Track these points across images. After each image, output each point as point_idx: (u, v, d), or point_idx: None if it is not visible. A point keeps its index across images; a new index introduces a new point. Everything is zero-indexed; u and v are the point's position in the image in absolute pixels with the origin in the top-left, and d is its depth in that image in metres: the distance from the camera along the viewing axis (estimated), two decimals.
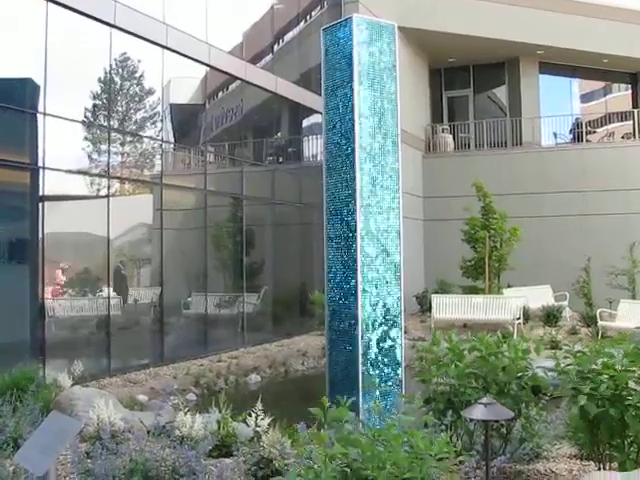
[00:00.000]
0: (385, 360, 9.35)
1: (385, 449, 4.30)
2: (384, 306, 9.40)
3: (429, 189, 27.15)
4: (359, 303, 9.17)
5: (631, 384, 5.70)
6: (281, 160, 22.45)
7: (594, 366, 5.90)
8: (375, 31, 9.66)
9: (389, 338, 9.42)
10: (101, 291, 14.43)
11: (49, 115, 12.64)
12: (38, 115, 12.62)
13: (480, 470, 5.95)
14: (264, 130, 21.60)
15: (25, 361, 10.07)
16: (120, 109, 15.65)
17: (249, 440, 7.50)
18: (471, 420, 6.04)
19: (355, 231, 9.26)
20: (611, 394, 5.63)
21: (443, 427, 5.68)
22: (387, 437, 4.42)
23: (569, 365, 6.11)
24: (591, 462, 6.61)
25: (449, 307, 19.83)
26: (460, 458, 4.63)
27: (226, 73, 18.21)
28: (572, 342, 15.39)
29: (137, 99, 16.11)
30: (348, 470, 4.30)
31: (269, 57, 20.91)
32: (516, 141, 28.54)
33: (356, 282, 9.22)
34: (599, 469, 6.20)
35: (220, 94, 19.77)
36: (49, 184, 12.84)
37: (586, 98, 32.48)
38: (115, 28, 14.03)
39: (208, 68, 17.33)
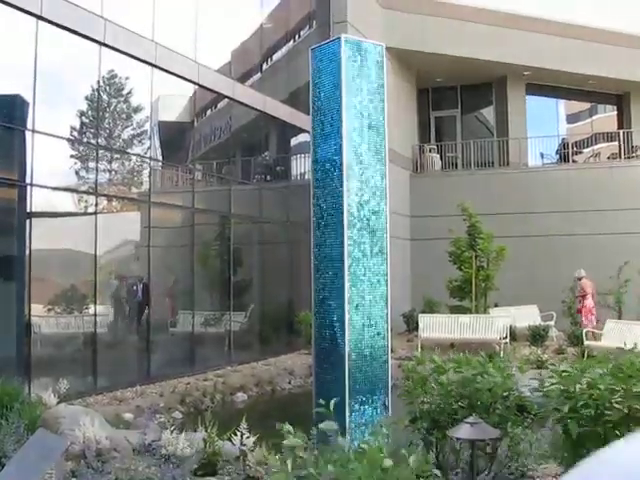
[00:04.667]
0: (372, 379, 9.35)
1: (363, 467, 4.31)
2: (371, 325, 9.41)
3: (416, 208, 27.22)
4: (346, 322, 9.17)
5: (613, 403, 5.72)
6: (269, 178, 22.49)
7: (577, 386, 5.92)
8: (363, 51, 9.73)
9: (376, 357, 9.43)
10: (87, 308, 14.39)
11: (37, 132, 12.65)
12: (27, 132, 12.63)
13: None
14: (252, 148, 21.65)
15: (10, 378, 10.01)
16: (108, 126, 15.67)
17: (235, 459, 7.50)
18: (457, 439, 6.06)
19: (342, 251, 9.28)
20: (593, 414, 5.65)
21: (424, 444, 5.70)
22: (368, 455, 4.42)
23: (553, 384, 6.14)
24: None
25: (436, 326, 19.83)
26: (436, 471, 4.64)
27: (214, 91, 18.27)
28: (558, 361, 15.45)
29: (125, 116, 16.14)
30: None
31: (258, 76, 21.01)
32: (503, 161, 28.71)
33: (343, 301, 9.23)
34: None
35: (208, 112, 19.84)
36: (37, 201, 12.83)
37: (572, 119, 32.75)
38: (104, 46, 14.07)
39: (197, 86, 17.39)
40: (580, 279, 21.30)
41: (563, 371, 6.33)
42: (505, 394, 6.69)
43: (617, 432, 5.65)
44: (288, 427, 4.82)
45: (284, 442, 4.76)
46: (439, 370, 6.99)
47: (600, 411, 5.66)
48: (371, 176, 9.59)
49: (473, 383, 6.67)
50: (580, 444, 5.85)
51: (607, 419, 5.64)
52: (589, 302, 21.09)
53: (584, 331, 17.93)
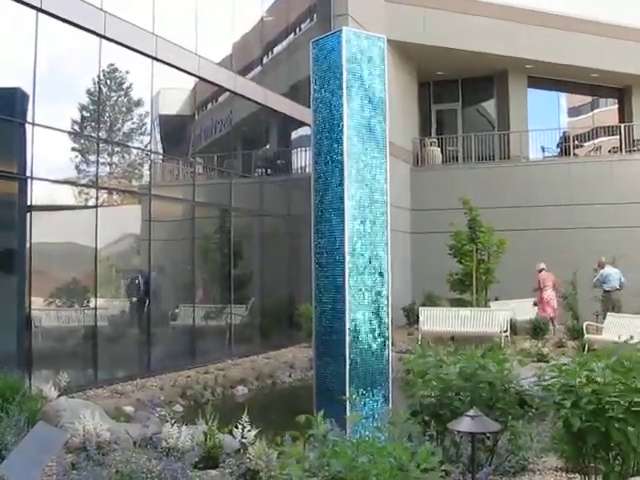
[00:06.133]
0: (372, 372, 9.35)
1: (369, 461, 4.29)
2: (371, 319, 9.41)
3: (417, 202, 27.22)
4: (346, 315, 9.17)
5: (614, 397, 5.71)
6: (270, 172, 22.46)
7: (578, 380, 5.91)
8: (364, 44, 9.70)
9: (376, 350, 9.43)
10: (88, 302, 14.38)
11: (38, 125, 12.62)
12: (27, 125, 12.60)
13: None
14: (253, 142, 21.61)
15: (10, 371, 10.00)
16: (109, 120, 15.64)
17: (235, 452, 7.51)
18: (458, 432, 6.05)
19: (343, 244, 9.27)
20: (593, 408, 5.64)
21: (428, 438, 5.68)
22: (372, 449, 4.41)
23: (554, 377, 6.12)
24: (577, 474, 6.63)
25: (437, 320, 19.83)
26: (444, 467, 4.64)
27: (215, 84, 18.23)
28: (558, 355, 15.45)
29: (126, 110, 16.11)
30: None
31: (258, 69, 20.97)
32: (504, 155, 28.65)
33: (343, 294, 9.23)
34: None
35: (209, 105, 19.80)
36: (37, 194, 12.82)
37: (574, 112, 32.69)
38: (105, 39, 14.03)
39: (197, 79, 17.35)
40: (540, 271, 21.81)
41: (563, 364, 6.31)
42: (505, 387, 6.68)
43: (618, 426, 5.64)
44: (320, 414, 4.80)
45: (310, 430, 4.74)
46: (439, 364, 6.96)
47: (602, 406, 5.65)
48: (372, 169, 9.58)
49: (473, 377, 6.65)
50: (581, 438, 5.84)
51: (610, 415, 5.62)
52: (548, 294, 21.73)
53: (585, 324, 17.92)
